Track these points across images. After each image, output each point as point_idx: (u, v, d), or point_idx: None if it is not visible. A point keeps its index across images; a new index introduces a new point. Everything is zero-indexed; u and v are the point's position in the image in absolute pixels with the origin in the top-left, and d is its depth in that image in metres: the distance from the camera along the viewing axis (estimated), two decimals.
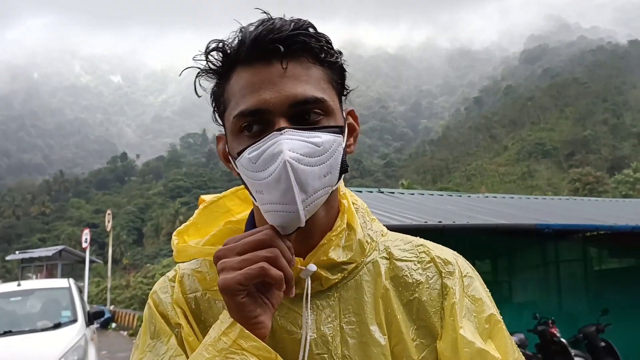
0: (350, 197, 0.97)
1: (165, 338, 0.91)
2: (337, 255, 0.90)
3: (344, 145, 0.86)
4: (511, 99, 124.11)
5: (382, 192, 10.64)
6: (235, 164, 0.87)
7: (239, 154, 0.84)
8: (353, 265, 0.91)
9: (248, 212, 0.99)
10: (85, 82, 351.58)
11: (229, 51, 0.86)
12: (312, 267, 0.87)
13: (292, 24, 0.84)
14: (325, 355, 0.86)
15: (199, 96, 0.92)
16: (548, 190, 61.41)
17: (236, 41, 0.85)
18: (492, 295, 0.97)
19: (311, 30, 0.86)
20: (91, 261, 24.06)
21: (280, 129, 0.80)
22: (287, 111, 0.82)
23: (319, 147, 0.81)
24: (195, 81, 0.90)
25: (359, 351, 0.87)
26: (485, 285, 0.97)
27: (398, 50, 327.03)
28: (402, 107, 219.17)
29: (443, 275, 0.93)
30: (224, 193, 1.04)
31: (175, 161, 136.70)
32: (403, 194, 11.30)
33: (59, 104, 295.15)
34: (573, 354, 7.16)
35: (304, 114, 0.83)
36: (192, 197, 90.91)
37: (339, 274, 0.90)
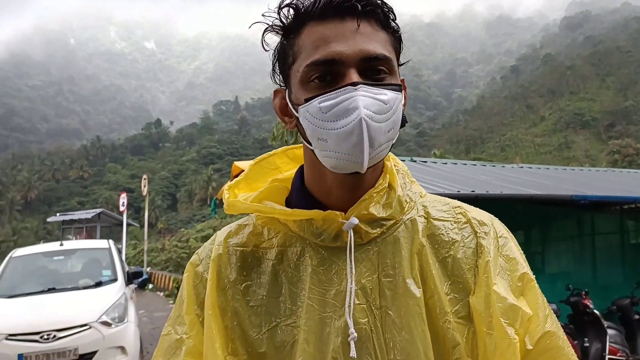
0: (392, 159, 1.03)
1: (187, 316, 1.00)
2: (377, 211, 0.94)
3: (403, 102, 0.93)
4: (550, 68, 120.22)
5: (415, 161, 10.58)
6: (297, 111, 0.91)
7: (307, 100, 0.88)
8: (392, 222, 0.96)
9: (294, 170, 1.05)
10: (120, 49, 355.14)
11: (301, 7, 0.91)
12: (354, 220, 0.92)
13: None
14: (364, 306, 0.91)
15: (266, 50, 0.97)
16: (585, 162, 59.93)
17: (310, 1, 0.90)
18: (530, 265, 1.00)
19: None
20: (128, 224, 24.74)
21: (354, 84, 0.85)
22: (358, 64, 0.88)
23: (386, 104, 0.87)
24: (262, 37, 0.95)
25: (395, 302, 0.91)
26: (519, 247, 1.01)
27: (434, 17, 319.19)
28: (436, 76, 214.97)
29: (478, 235, 0.97)
30: (275, 151, 1.10)
31: (208, 128, 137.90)
32: (436, 162, 11.20)
33: (95, 70, 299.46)
34: (606, 325, 7.10)
35: (373, 70, 0.89)
36: (225, 164, 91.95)
37: (378, 229, 0.94)
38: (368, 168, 0.89)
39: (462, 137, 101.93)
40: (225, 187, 1.04)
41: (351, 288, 0.90)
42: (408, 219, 0.98)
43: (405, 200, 0.99)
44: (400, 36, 0.96)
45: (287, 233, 0.98)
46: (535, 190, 8.15)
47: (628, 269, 9.24)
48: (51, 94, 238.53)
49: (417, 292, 0.91)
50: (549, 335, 0.92)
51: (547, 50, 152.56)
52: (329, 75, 0.88)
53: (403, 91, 0.96)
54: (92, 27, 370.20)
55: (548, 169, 13.04)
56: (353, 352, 0.87)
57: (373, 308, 0.91)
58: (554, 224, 9.55)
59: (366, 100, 0.85)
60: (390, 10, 0.93)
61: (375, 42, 0.89)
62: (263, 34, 0.95)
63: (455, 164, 11.94)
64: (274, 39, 0.96)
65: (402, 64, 0.99)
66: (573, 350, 0.94)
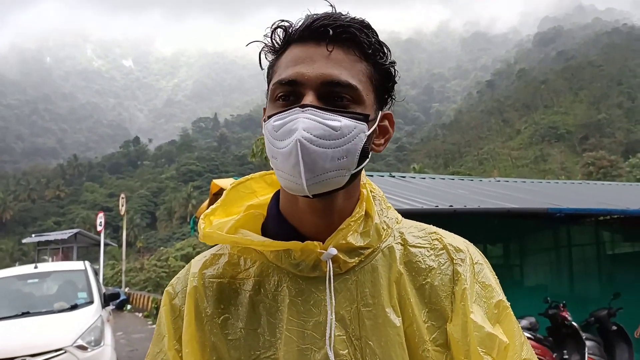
0: (369, 185, 1.02)
1: (170, 352, 0.97)
2: (355, 240, 0.94)
3: (367, 133, 0.90)
4: (524, 83, 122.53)
5: (394, 177, 10.65)
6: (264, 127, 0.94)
7: (269, 118, 0.91)
8: (370, 250, 0.96)
9: (270, 195, 1.04)
10: (97, 67, 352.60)
11: (289, 30, 0.93)
12: (333, 251, 0.92)
13: (350, 18, 0.91)
14: (344, 337, 0.90)
15: (262, 69, 0.98)
16: (561, 174, 60.93)
17: (298, 24, 0.93)
18: (503, 278, 1.01)
19: (365, 29, 0.92)
20: (106, 244, 24.38)
21: (303, 106, 0.86)
22: (317, 87, 0.88)
23: (337, 130, 0.85)
24: (259, 55, 0.97)
25: (375, 332, 0.90)
26: (494, 272, 1.01)
27: (412, 34, 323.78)
28: (414, 91, 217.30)
29: (455, 262, 0.97)
30: (252, 175, 1.10)
31: (187, 145, 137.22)
32: (414, 178, 11.30)
33: (72, 89, 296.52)
34: (584, 337, 7.17)
35: (334, 96, 0.88)
36: (204, 181, 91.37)
37: (356, 258, 0.94)
38: (334, 193, 0.91)
39: (440, 151, 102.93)
40: (202, 216, 1.02)
41: (331, 319, 0.89)
42: (385, 247, 0.98)
43: (383, 228, 0.99)
44: (387, 69, 0.95)
45: (263, 262, 0.97)
46: (512, 204, 8.24)
47: (605, 280, 9.36)
48: (26, 113, 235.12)
49: (397, 321, 0.92)
50: None
51: (521, 65, 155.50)
52: (291, 95, 0.89)
53: (382, 124, 0.96)
54: (68, 45, 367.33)
55: (524, 182, 13.23)
56: None
57: (353, 339, 0.90)
58: (531, 236, 9.67)
59: (308, 123, 0.84)
60: (375, 42, 0.92)
61: (342, 69, 0.89)
62: (260, 54, 0.96)
63: (434, 178, 12.05)
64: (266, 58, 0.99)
65: (391, 98, 0.98)
66: None
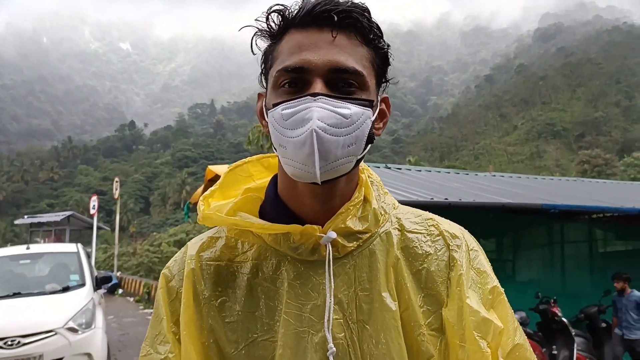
0: (366, 171, 1.03)
1: (169, 334, 0.97)
2: (353, 224, 0.95)
3: (372, 119, 0.91)
4: (523, 78, 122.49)
5: (389, 168, 10.63)
6: (268, 115, 0.92)
7: (274, 105, 0.89)
8: (368, 235, 0.97)
9: (268, 179, 1.05)
10: (95, 49, 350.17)
11: (287, 15, 0.92)
12: (332, 234, 0.92)
13: (351, 3, 0.91)
14: (341, 320, 0.91)
15: (254, 54, 0.96)
16: (556, 171, 61.15)
17: (296, 8, 0.92)
18: (496, 273, 1.02)
19: (366, 13, 0.92)
20: (99, 227, 24.33)
21: (314, 94, 0.86)
22: (325, 74, 0.88)
23: (347, 118, 0.86)
24: (252, 40, 0.95)
25: (372, 316, 0.92)
26: (488, 259, 1.03)
27: (412, 26, 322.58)
28: (412, 83, 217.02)
29: (451, 248, 0.99)
30: (249, 158, 1.10)
31: (183, 131, 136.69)
32: (410, 170, 11.28)
33: (68, 70, 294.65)
34: (574, 333, 7.21)
35: (341, 82, 0.89)
36: (199, 168, 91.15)
37: (354, 242, 0.95)
38: (338, 178, 0.91)
39: (436, 145, 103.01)
40: (201, 198, 1.02)
41: (330, 303, 0.90)
42: (383, 232, 0.98)
43: (380, 213, 1.00)
44: (385, 53, 0.95)
45: (261, 246, 0.97)
46: (507, 198, 8.24)
47: (596, 277, 9.40)
48: (22, 94, 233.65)
49: (393, 305, 0.92)
50: (519, 347, 0.95)
51: (520, 60, 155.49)
52: (297, 82, 0.89)
53: (381, 108, 0.97)
54: (66, 27, 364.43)
55: (520, 177, 13.24)
56: None
57: (350, 322, 0.91)
58: (525, 232, 9.69)
59: (322, 112, 0.85)
60: (375, 26, 0.93)
61: (348, 55, 0.89)
62: (252, 38, 0.95)
63: (430, 171, 12.03)
64: (263, 44, 0.97)
65: (387, 81, 0.99)
66: None
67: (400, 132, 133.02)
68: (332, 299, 0.91)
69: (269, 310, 0.93)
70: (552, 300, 7.51)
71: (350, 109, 0.87)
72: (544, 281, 9.10)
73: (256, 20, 0.95)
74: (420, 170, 11.59)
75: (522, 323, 7.12)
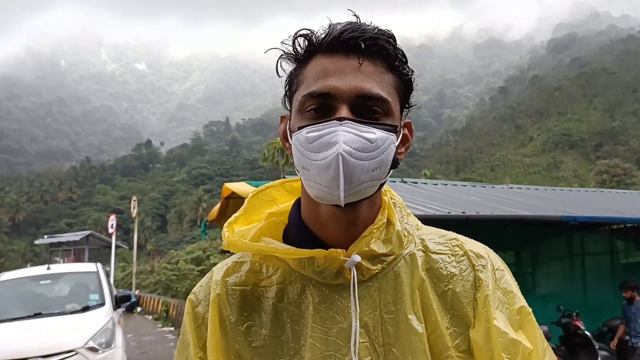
0: (389, 193, 1.04)
1: (189, 348, 1.00)
2: (377, 247, 0.95)
3: (396, 144, 0.93)
4: (538, 89, 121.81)
5: (406, 182, 10.61)
6: (292, 138, 0.94)
7: (299, 129, 0.91)
8: (392, 257, 0.97)
9: (291, 203, 1.06)
10: (111, 70, 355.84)
11: (314, 40, 0.93)
12: (357, 258, 0.92)
13: (377, 29, 0.92)
14: (367, 344, 0.91)
15: (279, 76, 0.98)
16: (574, 182, 60.45)
17: (322, 33, 0.93)
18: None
19: (392, 40, 0.93)
20: (117, 246, 24.51)
21: (340, 119, 0.87)
22: (351, 101, 0.89)
23: (372, 143, 0.87)
24: (277, 63, 0.97)
25: (399, 339, 0.91)
26: (514, 278, 1.02)
27: (425, 40, 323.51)
28: (425, 97, 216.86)
29: (476, 268, 0.98)
30: (272, 183, 1.11)
31: (198, 149, 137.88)
32: (426, 184, 11.24)
33: (86, 92, 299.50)
34: (597, 347, 7.09)
35: (366, 109, 0.90)
36: (215, 185, 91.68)
37: (379, 265, 0.95)
38: (361, 202, 0.92)
39: (451, 158, 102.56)
40: (225, 225, 1.03)
41: (356, 326, 0.90)
42: (407, 254, 0.98)
43: (404, 235, 1.00)
44: (409, 80, 0.97)
45: (286, 270, 0.98)
46: (525, 211, 8.16)
47: (618, 289, 9.26)
48: (41, 116, 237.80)
49: (420, 327, 0.92)
50: None
51: (534, 71, 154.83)
52: (323, 108, 0.90)
53: (404, 133, 0.99)
54: (83, 49, 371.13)
55: (537, 189, 13.12)
56: None
57: (376, 345, 0.91)
58: (544, 244, 9.57)
59: (348, 136, 0.86)
60: (400, 53, 0.94)
61: (373, 82, 0.90)
62: (278, 61, 0.97)
63: (446, 184, 11.98)
64: (287, 66, 0.99)
65: (410, 107, 1.00)
66: None
67: (415, 145, 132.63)
68: (358, 323, 0.91)
69: (294, 334, 0.93)
70: (574, 314, 7.39)
71: (376, 133, 0.88)
72: (565, 294, 8.96)
73: (282, 43, 0.96)
74: (436, 184, 11.55)
75: (546, 337, 7.00)
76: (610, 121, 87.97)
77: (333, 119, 0.87)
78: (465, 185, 12.65)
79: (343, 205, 0.88)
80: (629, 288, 7.46)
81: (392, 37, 0.93)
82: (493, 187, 13.06)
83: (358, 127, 0.87)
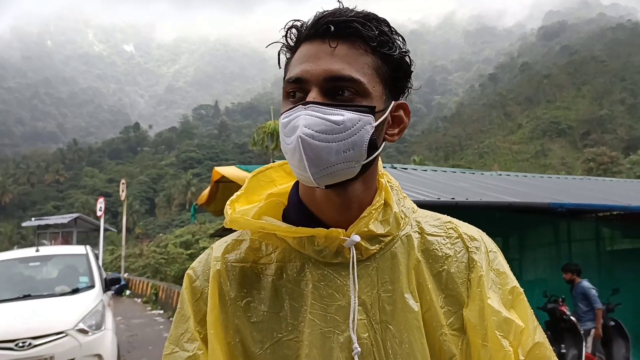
0: (385, 176, 1.06)
1: (196, 332, 1.00)
2: (376, 227, 0.98)
3: (374, 124, 0.93)
4: (527, 76, 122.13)
5: (395, 168, 10.64)
6: None
7: (281, 115, 0.95)
8: (389, 238, 0.99)
9: (290, 184, 1.08)
10: (99, 51, 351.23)
11: (301, 29, 0.96)
12: (356, 238, 0.95)
13: (354, 12, 0.94)
14: (365, 321, 0.94)
15: (280, 68, 1.01)
16: (561, 169, 60.94)
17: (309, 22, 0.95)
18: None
19: (372, 21, 0.94)
20: (105, 229, 24.42)
21: (305, 103, 0.90)
22: (321, 84, 0.91)
23: (339, 125, 0.88)
24: (279, 54, 1.00)
25: (395, 317, 0.94)
26: (506, 260, 1.06)
27: (417, 26, 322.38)
28: (415, 83, 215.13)
29: (470, 250, 1.02)
30: (271, 164, 1.14)
31: (187, 132, 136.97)
32: (416, 169, 11.29)
33: (72, 73, 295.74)
34: (582, 332, 7.23)
35: (338, 90, 0.91)
36: (204, 169, 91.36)
37: (377, 245, 0.98)
38: (349, 183, 0.95)
39: (441, 144, 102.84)
40: (228, 202, 1.05)
41: (355, 304, 0.93)
42: (404, 235, 1.01)
43: (401, 217, 1.02)
44: (397, 60, 0.96)
45: (285, 248, 0.99)
46: (514, 197, 8.23)
47: (604, 276, 9.39)
48: (27, 97, 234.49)
49: (415, 306, 0.95)
50: (539, 345, 0.97)
51: (524, 59, 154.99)
52: (298, 92, 0.93)
53: (397, 114, 1.00)
54: (70, 30, 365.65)
55: (526, 176, 13.22)
56: None
57: (373, 323, 0.94)
58: (531, 231, 9.68)
59: (310, 119, 0.88)
60: (380, 32, 0.94)
61: (345, 64, 0.91)
62: (279, 53, 1.00)
63: (435, 171, 12.03)
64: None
65: (408, 89, 1.02)
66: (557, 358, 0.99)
67: (405, 131, 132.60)
68: (357, 300, 0.93)
69: (293, 310, 0.95)
70: (560, 299, 7.53)
71: (344, 115, 0.89)
72: (551, 280, 9.08)
73: (280, 32, 0.99)
74: (426, 170, 11.59)
75: None
76: (598, 109, 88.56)
77: (299, 104, 0.91)
78: (455, 172, 12.70)
79: (323, 187, 0.91)
80: (570, 270, 7.64)
81: (372, 18, 0.94)
82: (482, 173, 13.14)
83: (323, 109, 0.89)
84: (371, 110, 0.92)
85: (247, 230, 1.04)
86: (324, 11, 0.95)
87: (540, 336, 0.98)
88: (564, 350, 7.15)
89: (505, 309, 0.97)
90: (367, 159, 0.93)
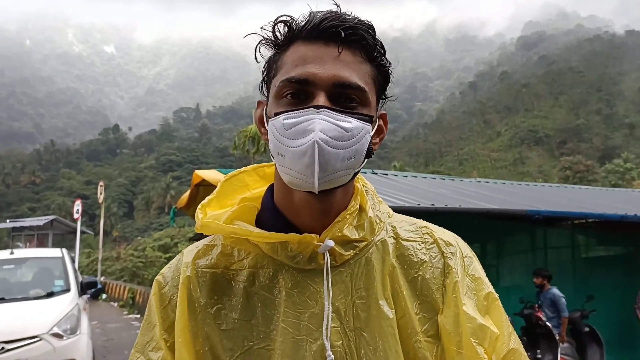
0: (361, 180, 1.05)
1: (162, 341, 0.97)
2: (350, 232, 0.96)
3: (371, 134, 0.93)
4: (506, 85, 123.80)
5: (376, 174, 10.70)
6: (268, 124, 0.94)
7: (276, 115, 0.91)
8: (364, 244, 0.97)
9: (263, 188, 1.05)
10: (78, 51, 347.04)
11: (294, 26, 0.93)
12: (330, 243, 0.93)
13: (357, 19, 0.93)
14: (339, 328, 0.92)
15: (257, 61, 0.98)
16: (539, 177, 61.82)
17: (303, 21, 0.93)
18: None
19: (371, 30, 0.94)
20: (82, 232, 24.07)
21: (318, 107, 0.87)
22: (329, 89, 0.89)
23: (348, 132, 0.88)
24: (256, 47, 0.97)
25: (369, 324, 0.92)
26: (481, 266, 1.04)
27: (399, 33, 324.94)
28: (397, 89, 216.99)
29: (445, 256, 1.00)
30: (245, 168, 1.11)
31: (167, 135, 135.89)
32: (397, 175, 11.36)
33: (51, 72, 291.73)
34: (558, 338, 7.35)
35: (343, 97, 0.90)
36: (184, 172, 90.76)
37: (351, 251, 0.96)
38: (335, 190, 0.92)
39: (421, 150, 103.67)
40: (199, 207, 1.02)
41: (328, 311, 0.91)
42: (379, 240, 0.99)
43: (376, 222, 1.01)
44: (386, 71, 0.97)
45: (258, 254, 0.97)
46: (492, 204, 8.33)
47: (578, 282, 9.54)
48: (3, 96, 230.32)
49: (390, 313, 0.93)
50: (513, 352, 0.96)
51: (504, 68, 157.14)
52: (300, 94, 0.90)
53: (379, 124, 0.99)
54: (49, 29, 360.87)
55: (504, 184, 13.39)
56: None
57: (347, 330, 0.92)
58: (509, 238, 9.80)
59: (325, 124, 0.86)
60: (379, 44, 0.95)
61: (352, 71, 0.91)
62: (257, 46, 0.97)
63: (416, 177, 12.12)
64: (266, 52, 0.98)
65: (386, 99, 1.01)
66: None
67: (386, 137, 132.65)
68: (331, 307, 0.91)
69: (265, 318, 0.93)
70: (536, 305, 7.65)
71: (352, 122, 0.88)
72: (528, 286, 9.19)
73: (262, 28, 0.96)
74: (406, 176, 11.67)
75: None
76: (574, 119, 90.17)
77: (310, 107, 0.88)
78: (435, 178, 12.82)
79: (317, 193, 0.89)
80: (540, 275, 7.84)
81: (372, 27, 0.94)
82: (461, 180, 13.27)
83: (335, 115, 0.87)
84: (370, 119, 0.92)
85: (220, 235, 1.01)
86: (325, 13, 0.92)
87: (515, 342, 0.98)
88: (539, 356, 7.25)
89: (481, 315, 0.96)
90: (360, 166, 0.93)
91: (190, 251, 1.02)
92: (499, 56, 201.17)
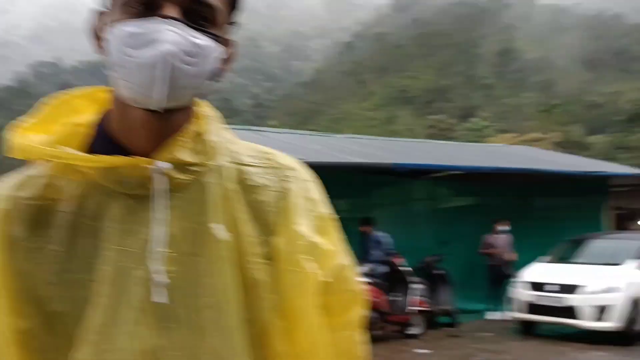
0: (206, 106, 1.00)
1: None
2: (185, 156, 0.91)
3: (220, 56, 0.90)
4: (381, 46, 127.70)
5: (251, 130, 10.70)
6: (108, 33, 0.86)
7: (118, 22, 0.84)
8: (201, 168, 0.93)
9: (96, 114, 0.97)
10: None
11: None
12: (162, 164, 0.87)
13: None
14: (175, 254, 0.88)
15: None
16: (407, 135, 65.11)
17: None
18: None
19: None
20: None
21: (168, 17, 0.82)
22: (182, 2, 0.84)
23: (199, 49, 0.83)
24: None
25: (205, 248, 0.89)
26: (322, 189, 1.04)
27: None
28: (275, 48, 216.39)
29: (284, 179, 0.98)
30: (74, 90, 1.01)
31: (24, 92, 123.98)
32: (272, 132, 11.44)
33: None
34: (409, 280, 8.26)
35: (195, 14, 0.85)
36: None
37: (187, 175, 0.91)
38: (175, 111, 0.88)
39: (299, 109, 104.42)
40: (14, 128, 0.92)
41: (157, 236, 0.87)
42: (217, 165, 0.96)
43: (215, 146, 0.96)
44: None
45: (86, 182, 0.89)
46: (362, 158, 8.71)
47: (437, 231, 10.38)
48: None
49: (226, 236, 0.91)
50: (343, 267, 0.99)
51: (379, 29, 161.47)
52: (152, 5, 0.83)
53: (228, 49, 0.94)
54: None
55: (376, 139, 14.02)
56: (159, 299, 0.86)
57: (182, 256, 0.88)
58: (377, 192, 10.35)
59: (176, 37, 0.81)
60: None
61: None
62: None
63: (292, 134, 12.28)
64: None
65: (233, 24, 0.96)
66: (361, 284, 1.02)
67: (262, 96, 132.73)
68: (159, 232, 0.87)
69: (90, 248, 0.87)
70: (394, 253, 8.47)
71: (202, 40, 0.84)
72: (394, 236, 9.86)
73: None
74: (281, 133, 11.79)
75: (372, 274, 7.82)
76: (441, 80, 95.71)
77: (159, 15, 0.82)
78: (311, 135, 13.08)
79: (161, 110, 0.84)
80: (365, 223, 8.83)
81: None
82: (335, 136, 13.67)
83: (187, 29, 0.82)
84: (221, 41, 0.89)
85: (42, 163, 0.92)
86: None
87: (346, 259, 1.00)
88: (400, 298, 7.99)
89: (316, 234, 0.96)
90: (204, 88, 0.90)
91: (8, 182, 0.93)
92: (376, 17, 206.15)
